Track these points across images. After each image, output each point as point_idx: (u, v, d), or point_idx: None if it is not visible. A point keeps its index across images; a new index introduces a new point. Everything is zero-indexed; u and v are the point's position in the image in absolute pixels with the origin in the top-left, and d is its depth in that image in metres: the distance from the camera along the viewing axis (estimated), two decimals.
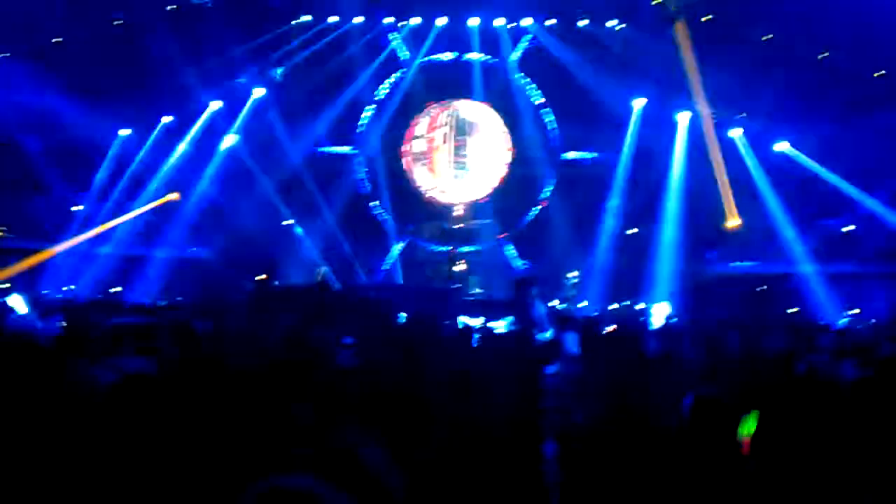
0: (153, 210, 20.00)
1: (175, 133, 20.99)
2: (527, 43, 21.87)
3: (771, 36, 19.23)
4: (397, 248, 21.69)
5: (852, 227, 20.18)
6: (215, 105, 20.86)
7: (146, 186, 20.37)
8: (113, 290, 18.22)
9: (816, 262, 19.45)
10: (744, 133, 20.68)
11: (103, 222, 19.64)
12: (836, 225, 20.60)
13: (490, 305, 15.42)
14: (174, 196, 20.04)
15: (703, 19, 19.37)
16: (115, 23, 19.16)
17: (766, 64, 19.06)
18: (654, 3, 19.73)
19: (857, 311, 17.56)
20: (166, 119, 20.75)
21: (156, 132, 20.81)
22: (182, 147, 20.76)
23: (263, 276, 16.28)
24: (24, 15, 17.95)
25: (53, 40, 18.77)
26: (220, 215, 20.07)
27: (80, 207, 20.03)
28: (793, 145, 20.41)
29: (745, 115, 20.46)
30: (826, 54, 19.23)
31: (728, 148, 20.45)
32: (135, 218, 19.78)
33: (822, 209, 20.46)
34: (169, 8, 19.40)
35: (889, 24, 15.98)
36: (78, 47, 18.92)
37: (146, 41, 19.14)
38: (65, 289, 17.67)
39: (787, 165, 20.16)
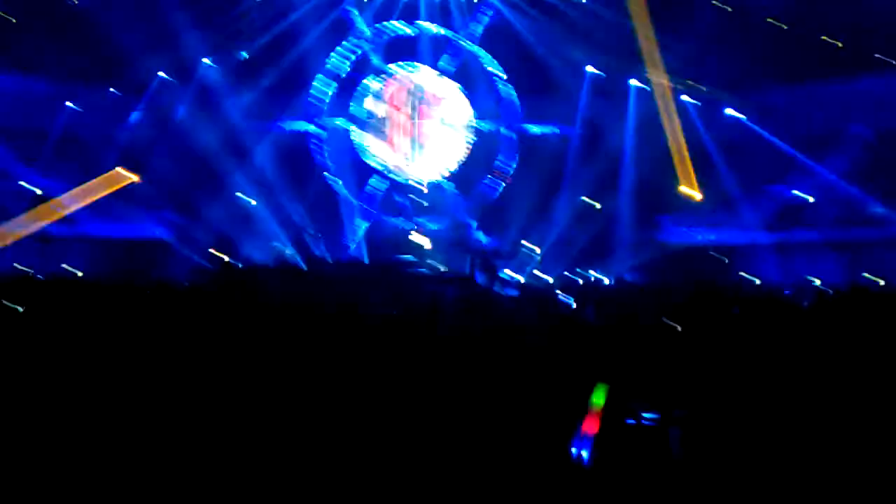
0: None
1: (125, 108, 20.74)
2: (487, 17, 21.79)
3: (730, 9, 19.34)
4: (363, 226, 21.61)
5: (806, 196, 20.49)
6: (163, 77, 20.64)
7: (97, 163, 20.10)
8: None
9: (769, 230, 19.81)
10: (697, 101, 20.85)
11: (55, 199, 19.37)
12: (788, 192, 20.91)
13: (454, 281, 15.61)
14: (133, 177, 19.80)
15: None
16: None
17: (720, 30, 19.23)
18: None
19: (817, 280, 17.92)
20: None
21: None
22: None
23: (225, 257, 16.22)
24: None
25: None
26: (175, 194, 19.88)
27: (39, 192, 19.68)
28: (744, 112, 20.61)
29: (694, 83, 20.60)
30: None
31: (682, 116, 20.66)
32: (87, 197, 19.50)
33: (774, 176, 20.73)
34: None
35: None
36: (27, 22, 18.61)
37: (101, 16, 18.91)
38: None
39: (739, 132, 20.38)
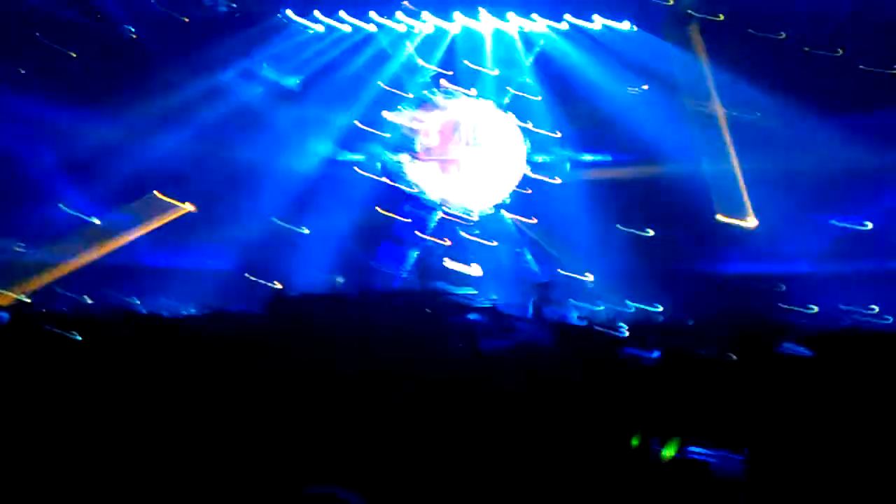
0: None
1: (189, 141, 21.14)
2: (539, 46, 21.83)
3: (784, 35, 19.11)
4: (414, 254, 21.69)
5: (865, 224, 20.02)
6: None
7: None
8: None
9: (835, 260, 19.39)
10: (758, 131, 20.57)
11: (119, 233, 19.81)
12: (848, 221, 20.46)
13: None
14: (190, 207, 20.18)
15: (717, 18, 19.33)
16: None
17: (781, 63, 19.01)
18: (667, 2, 19.66)
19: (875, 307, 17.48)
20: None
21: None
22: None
23: (279, 286, 16.39)
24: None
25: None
26: (234, 224, 20.19)
27: (97, 221, 20.14)
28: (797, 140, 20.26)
29: (759, 114, 20.32)
30: (842, 52, 19.10)
31: (742, 146, 20.40)
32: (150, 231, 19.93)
33: (833, 205, 20.31)
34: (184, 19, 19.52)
35: None
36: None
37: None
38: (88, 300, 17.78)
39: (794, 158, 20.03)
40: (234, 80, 20.92)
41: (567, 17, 21.01)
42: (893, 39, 17.51)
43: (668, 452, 3.98)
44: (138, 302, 16.82)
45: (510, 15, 20.99)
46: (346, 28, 21.20)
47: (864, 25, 17.38)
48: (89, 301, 16.54)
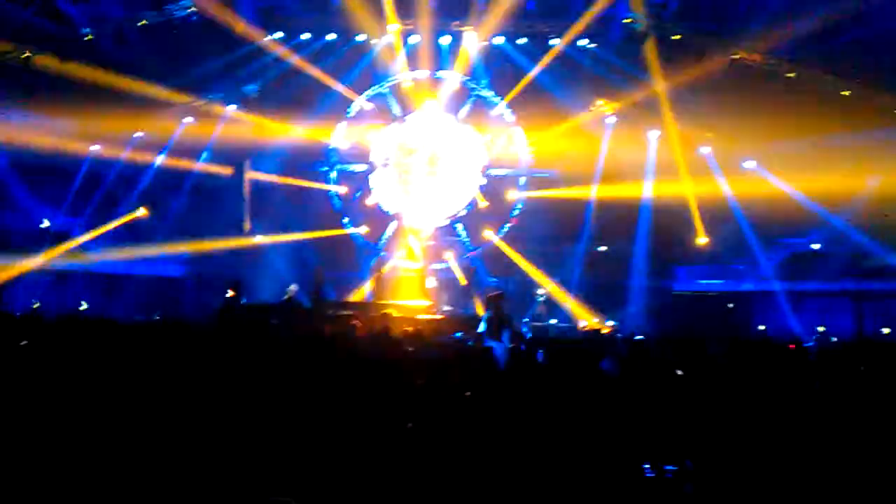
0: (123, 227, 19.93)
1: (146, 149, 20.90)
2: (497, 61, 21.98)
3: (739, 55, 19.45)
4: (368, 266, 21.67)
5: (818, 246, 20.43)
6: (187, 120, 20.79)
7: (118, 202, 20.29)
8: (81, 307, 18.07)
9: (782, 280, 19.73)
10: (712, 151, 20.93)
11: (74, 238, 19.56)
12: (803, 243, 20.86)
13: (466, 321, 15.52)
14: (143, 212, 19.98)
15: (673, 38, 19.59)
16: (85, 38, 18.96)
17: (735, 83, 19.35)
18: (623, 21, 19.89)
19: (822, 328, 17.81)
20: (138, 134, 20.60)
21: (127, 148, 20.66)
22: (155, 162, 20.73)
23: (231, 294, 16.21)
24: None
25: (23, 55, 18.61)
26: (190, 232, 20.01)
27: (47, 223, 19.86)
28: (760, 164, 20.68)
29: (711, 134, 20.66)
30: (793, 74, 19.49)
31: (698, 165, 20.71)
32: (105, 234, 19.71)
33: (789, 227, 20.70)
34: (140, 24, 19.28)
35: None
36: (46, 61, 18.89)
37: (118, 56, 19.18)
38: (35, 305, 17.48)
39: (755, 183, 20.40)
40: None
41: (527, 32, 21.19)
42: (846, 64, 17.88)
43: None
44: (86, 306, 16.61)
45: (470, 27, 21.04)
46: (305, 35, 21.07)
47: (818, 48, 17.72)
48: (37, 305, 16.24)
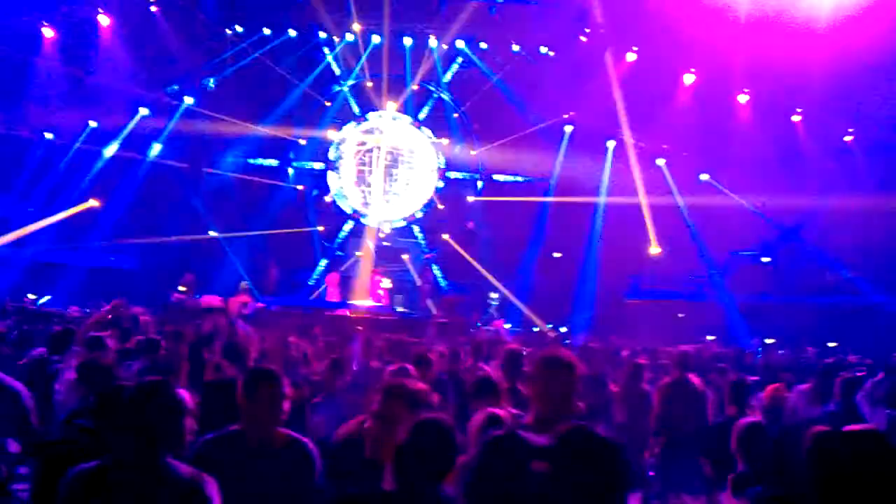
0: (73, 216, 19.64)
1: (101, 139, 20.60)
2: (458, 65, 22.06)
3: (694, 71, 19.73)
4: (322, 263, 21.61)
5: (768, 259, 20.77)
6: (143, 111, 20.52)
7: (69, 191, 19.96)
8: (28, 296, 17.73)
9: (733, 291, 20.00)
10: (667, 163, 21.19)
11: (22, 226, 19.22)
12: (754, 256, 21.18)
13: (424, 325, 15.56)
14: (94, 203, 19.71)
15: (632, 50, 19.78)
16: (43, 27, 18.69)
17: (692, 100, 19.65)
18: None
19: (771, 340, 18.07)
20: (92, 124, 20.30)
21: (82, 137, 20.34)
22: (108, 153, 20.43)
23: (183, 289, 16.06)
24: None
25: None
26: (142, 225, 19.78)
27: None
28: (714, 177, 20.98)
29: (666, 146, 20.92)
30: (747, 91, 19.83)
31: (655, 177, 20.96)
32: (54, 223, 19.42)
33: (741, 240, 21.03)
34: (100, 14, 19.01)
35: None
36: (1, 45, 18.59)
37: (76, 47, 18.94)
38: None
39: (710, 196, 20.69)
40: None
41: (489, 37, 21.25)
42: (790, 84, 18.21)
43: None
44: (33, 296, 16.34)
45: (431, 32, 21.06)
46: (266, 31, 20.91)
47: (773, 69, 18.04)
48: None
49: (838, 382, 6.90)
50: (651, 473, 7.72)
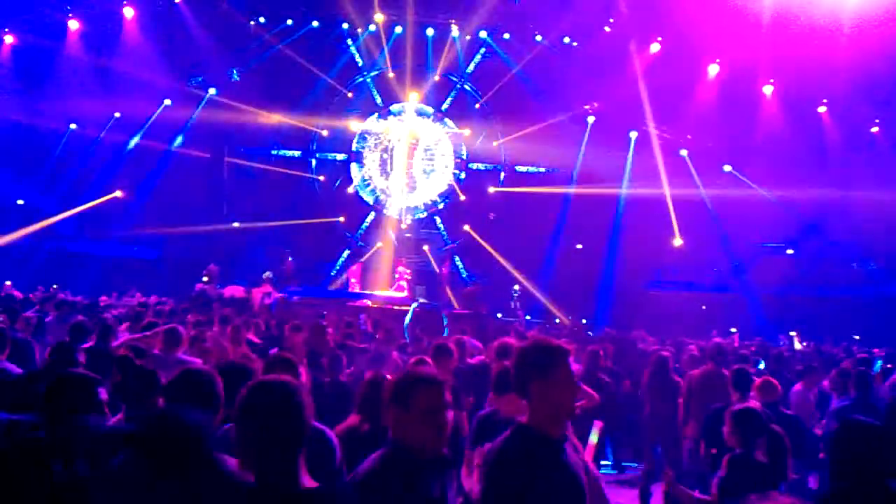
0: (97, 206, 19.82)
1: (125, 129, 20.74)
2: (480, 55, 22.01)
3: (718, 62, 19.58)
4: (345, 254, 21.67)
5: (792, 251, 20.65)
6: (167, 102, 20.63)
7: (93, 182, 20.12)
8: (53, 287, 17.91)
9: (757, 283, 19.89)
10: (690, 155, 21.06)
11: (47, 216, 19.42)
12: (778, 248, 21.06)
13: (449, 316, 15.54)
14: (118, 193, 19.88)
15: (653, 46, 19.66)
16: (69, 19, 18.84)
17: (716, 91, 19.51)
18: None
19: (794, 332, 17.96)
20: (117, 115, 20.43)
21: (106, 128, 20.49)
22: (132, 144, 20.59)
23: (206, 279, 16.16)
24: None
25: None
26: (166, 215, 19.92)
27: (21, 202, 19.71)
28: (738, 169, 20.85)
29: (689, 136, 20.78)
30: (772, 82, 19.67)
31: (679, 168, 20.84)
32: (79, 214, 19.61)
33: (765, 232, 20.90)
34: (125, 6, 19.13)
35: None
36: (29, 37, 18.77)
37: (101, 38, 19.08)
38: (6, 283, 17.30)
39: (734, 188, 20.56)
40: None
41: (512, 27, 21.18)
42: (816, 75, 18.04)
43: (593, 438, 4.15)
44: (56, 287, 16.47)
45: (454, 22, 21.01)
46: (289, 22, 20.92)
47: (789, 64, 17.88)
48: (8, 283, 16.09)
49: (854, 376, 6.92)
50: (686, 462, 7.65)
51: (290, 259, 18.99)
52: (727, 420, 4.69)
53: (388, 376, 4.48)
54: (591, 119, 21.49)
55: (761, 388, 6.33)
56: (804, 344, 15.75)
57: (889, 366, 10.17)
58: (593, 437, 4.25)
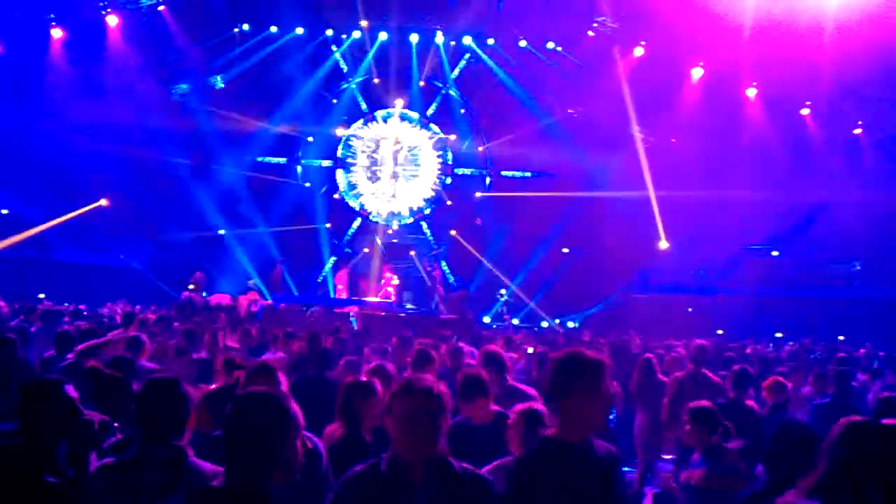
0: (82, 215, 19.73)
1: (109, 138, 20.64)
2: (465, 61, 22.05)
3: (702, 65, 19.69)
4: (331, 261, 21.63)
5: (777, 253, 20.75)
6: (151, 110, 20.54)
7: (77, 190, 20.01)
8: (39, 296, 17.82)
9: (742, 285, 19.99)
10: (676, 158, 21.09)
11: (31, 226, 19.31)
12: (763, 250, 21.15)
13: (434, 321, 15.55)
14: (103, 202, 19.80)
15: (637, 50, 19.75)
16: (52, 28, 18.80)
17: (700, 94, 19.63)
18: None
19: (779, 334, 18.06)
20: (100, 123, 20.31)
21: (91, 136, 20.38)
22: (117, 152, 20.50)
23: (192, 287, 16.12)
24: None
25: None
26: (151, 223, 19.87)
27: (5, 211, 19.59)
28: (722, 171, 20.90)
29: (674, 140, 20.84)
30: (755, 85, 19.80)
31: (663, 171, 20.88)
32: (63, 223, 19.51)
33: (750, 234, 20.98)
34: (108, 14, 19.07)
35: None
36: (12, 46, 18.71)
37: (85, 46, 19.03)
38: None
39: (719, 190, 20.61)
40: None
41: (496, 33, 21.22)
42: (799, 78, 18.16)
43: None
44: (42, 296, 16.38)
45: (438, 28, 21.05)
46: (273, 29, 20.91)
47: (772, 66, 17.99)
48: None
49: (832, 375, 7.02)
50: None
51: (281, 266, 18.99)
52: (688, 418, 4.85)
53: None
54: (576, 123, 21.50)
55: (771, 388, 6.55)
56: (790, 344, 15.82)
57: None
58: None
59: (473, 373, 4.89)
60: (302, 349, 8.09)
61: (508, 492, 2.95)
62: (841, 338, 16.93)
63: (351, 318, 15.97)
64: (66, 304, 14.21)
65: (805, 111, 20.21)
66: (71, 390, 3.39)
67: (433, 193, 22.35)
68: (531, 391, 5.44)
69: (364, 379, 4.51)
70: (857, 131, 20.23)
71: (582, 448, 2.92)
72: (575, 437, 2.92)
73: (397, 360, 7.69)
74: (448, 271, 21.79)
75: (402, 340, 8.89)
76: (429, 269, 20.37)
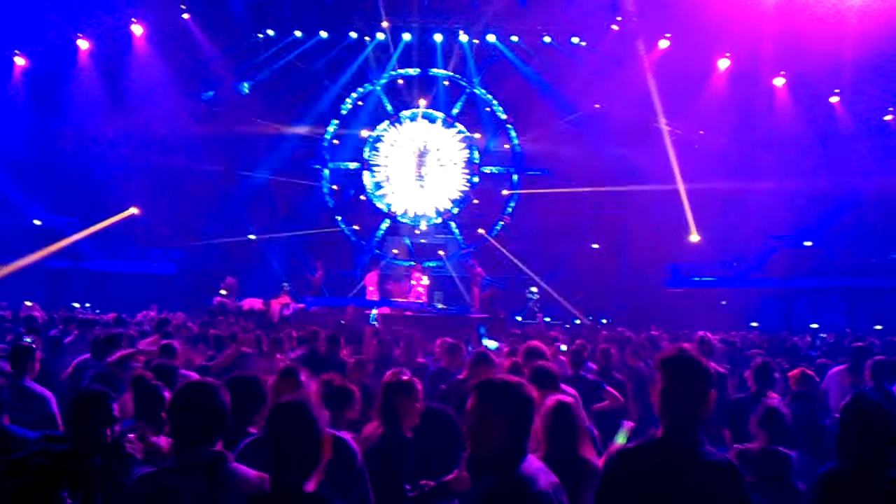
0: (114, 224, 19.92)
1: (138, 146, 20.83)
2: (489, 59, 22.00)
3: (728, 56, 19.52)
4: (362, 262, 21.67)
5: (810, 243, 20.49)
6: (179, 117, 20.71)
7: (108, 200, 20.22)
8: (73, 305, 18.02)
9: (775, 276, 19.76)
10: (705, 149, 20.93)
11: (64, 236, 19.52)
12: (795, 240, 20.90)
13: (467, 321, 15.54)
14: (134, 210, 19.98)
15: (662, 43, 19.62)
16: (78, 39, 19.00)
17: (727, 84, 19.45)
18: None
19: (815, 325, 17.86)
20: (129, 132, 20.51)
21: (121, 145, 20.59)
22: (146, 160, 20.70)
23: (224, 292, 16.26)
24: None
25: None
26: (182, 230, 20.03)
27: (38, 222, 19.81)
28: (752, 161, 20.70)
29: (703, 132, 20.67)
30: (783, 74, 19.59)
31: (692, 164, 20.71)
32: (96, 232, 19.71)
33: (782, 225, 20.75)
34: (133, 24, 19.24)
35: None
36: (39, 59, 18.94)
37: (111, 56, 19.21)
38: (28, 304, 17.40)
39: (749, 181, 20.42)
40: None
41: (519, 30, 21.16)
42: (827, 65, 17.94)
43: (621, 439, 4.22)
44: (77, 305, 16.58)
45: (461, 27, 21.03)
46: (298, 33, 20.99)
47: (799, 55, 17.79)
48: (29, 304, 16.19)
49: (869, 365, 6.93)
50: None
51: (320, 269, 19.06)
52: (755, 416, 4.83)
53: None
54: (602, 117, 21.36)
55: (798, 379, 6.57)
56: (823, 336, 15.63)
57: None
58: (622, 438, 4.25)
59: (545, 366, 5.04)
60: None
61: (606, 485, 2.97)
62: (878, 327, 16.70)
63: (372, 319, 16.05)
64: (97, 312, 14.36)
65: (834, 99, 19.94)
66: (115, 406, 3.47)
67: (460, 193, 22.32)
68: (570, 390, 5.40)
69: (405, 378, 4.51)
70: (888, 118, 19.93)
71: (688, 451, 2.87)
72: (680, 439, 2.89)
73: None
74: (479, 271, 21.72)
75: (408, 340, 8.87)
76: (468, 266, 20.28)
